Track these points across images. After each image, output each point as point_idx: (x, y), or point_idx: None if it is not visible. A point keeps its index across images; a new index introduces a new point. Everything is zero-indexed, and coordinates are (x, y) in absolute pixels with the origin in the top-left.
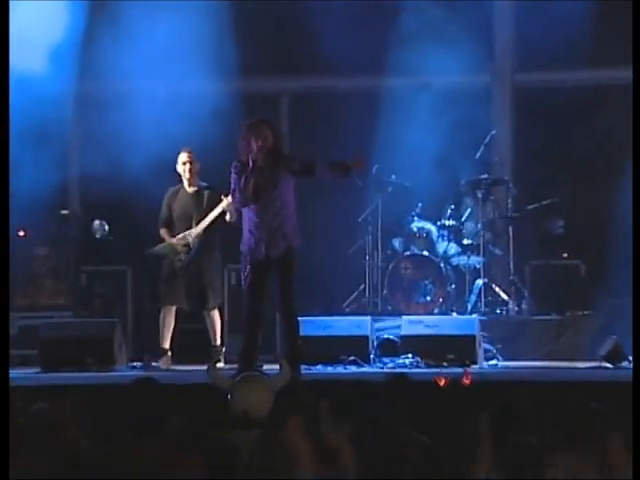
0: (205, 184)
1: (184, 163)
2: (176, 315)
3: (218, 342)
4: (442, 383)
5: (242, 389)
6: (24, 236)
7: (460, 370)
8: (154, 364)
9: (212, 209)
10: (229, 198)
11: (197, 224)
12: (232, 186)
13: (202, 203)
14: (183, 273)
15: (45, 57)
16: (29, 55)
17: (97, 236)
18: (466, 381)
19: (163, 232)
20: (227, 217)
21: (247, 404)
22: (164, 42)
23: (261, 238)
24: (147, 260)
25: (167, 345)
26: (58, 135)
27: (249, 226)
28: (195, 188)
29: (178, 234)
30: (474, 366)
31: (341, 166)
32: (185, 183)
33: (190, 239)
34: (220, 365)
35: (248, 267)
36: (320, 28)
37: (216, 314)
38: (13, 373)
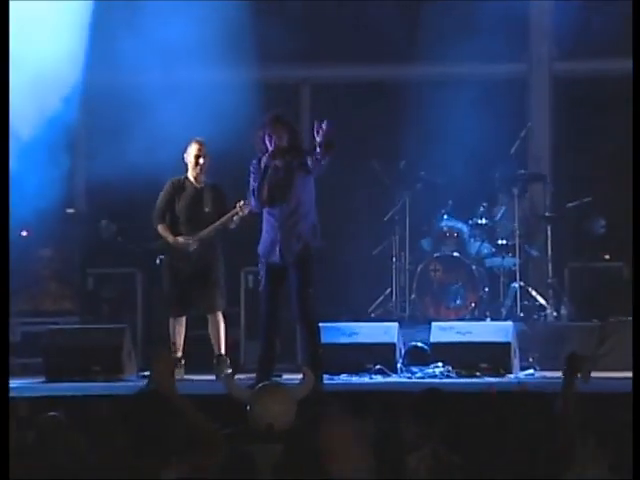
0: (210, 181)
1: (197, 156)
2: (187, 321)
3: (223, 350)
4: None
5: (263, 400)
6: (27, 236)
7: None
8: None
9: (220, 209)
10: (242, 205)
11: (203, 224)
12: (250, 187)
13: (210, 202)
14: (188, 278)
15: (55, 44)
16: (39, 47)
17: (104, 237)
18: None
19: (163, 229)
20: (233, 222)
21: (269, 416)
22: (177, 30)
23: (275, 239)
24: (158, 262)
25: (180, 354)
26: (64, 128)
27: (266, 227)
28: (202, 184)
29: (180, 233)
30: (509, 376)
31: (325, 145)
32: (192, 175)
33: (199, 241)
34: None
35: (263, 270)
36: (344, 14)
37: (220, 318)
38: (15, 383)
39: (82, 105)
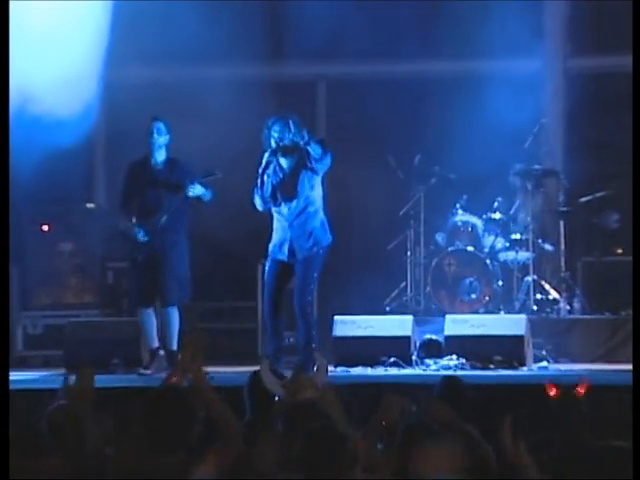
0: (170, 158)
1: (150, 135)
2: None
3: (156, 344)
4: (553, 393)
5: (294, 390)
6: (48, 231)
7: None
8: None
9: (175, 189)
10: (196, 186)
11: (159, 208)
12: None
13: (166, 182)
14: (147, 266)
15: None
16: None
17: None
18: (581, 391)
19: (124, 213)
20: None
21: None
22: (183, 22)
23: (285, 238)
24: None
25: (156, 344)
26: (83, 116)
27: (275, 226)
28: (160, 164)
29: (143, 216)
30: (522, 368)
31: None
32: (150, 154)
33: (158, 225)
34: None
35: (268, 266)
36: (360, 9)
37: (173, 313)
38: (36, 375)
39: (103, 100)
